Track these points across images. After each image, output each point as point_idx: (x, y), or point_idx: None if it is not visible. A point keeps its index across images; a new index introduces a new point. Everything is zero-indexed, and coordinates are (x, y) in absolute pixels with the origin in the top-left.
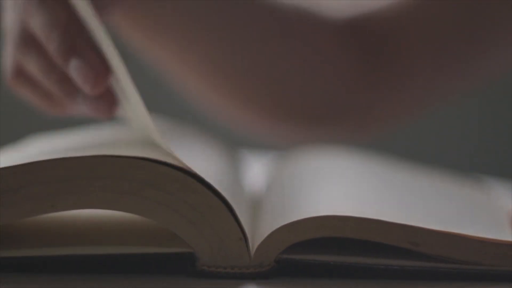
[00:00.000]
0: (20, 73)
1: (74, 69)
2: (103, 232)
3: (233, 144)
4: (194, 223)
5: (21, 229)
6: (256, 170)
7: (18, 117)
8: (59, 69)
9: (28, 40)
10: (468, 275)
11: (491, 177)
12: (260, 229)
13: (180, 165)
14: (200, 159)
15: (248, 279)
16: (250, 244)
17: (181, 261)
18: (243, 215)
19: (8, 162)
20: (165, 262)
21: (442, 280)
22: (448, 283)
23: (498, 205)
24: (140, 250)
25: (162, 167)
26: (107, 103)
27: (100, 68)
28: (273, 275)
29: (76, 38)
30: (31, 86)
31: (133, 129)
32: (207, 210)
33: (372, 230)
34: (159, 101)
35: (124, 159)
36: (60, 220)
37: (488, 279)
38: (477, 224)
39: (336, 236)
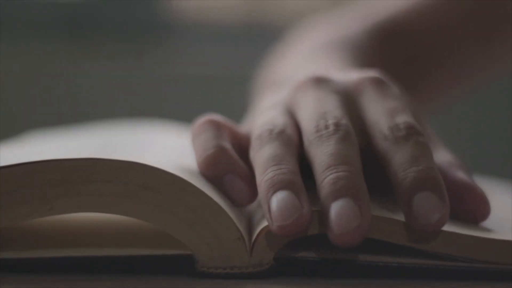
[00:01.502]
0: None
1: (277, 201)
2: (103, 234)
3: None
4: (192, 225)
5: (21, 230)
6: None
7: (17, 114)
8: None
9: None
10: (467, 274)
11: (491, 177)
12: (257, 228)
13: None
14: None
15: (248, 279)
16: (249, 243)
17: (181, 263)
18: (240, 214)
19: (4, 162)
20: (165, 263)
21: (441, 279)
22: (447, 282)
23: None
24: (139, 252)
25: (158, 170)
26: None
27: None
28: (273, 274)
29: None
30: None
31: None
32: (205, 211)
33: (371, 226)
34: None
35: (120, 162)
36: (60, 222)
37: (487, 278)
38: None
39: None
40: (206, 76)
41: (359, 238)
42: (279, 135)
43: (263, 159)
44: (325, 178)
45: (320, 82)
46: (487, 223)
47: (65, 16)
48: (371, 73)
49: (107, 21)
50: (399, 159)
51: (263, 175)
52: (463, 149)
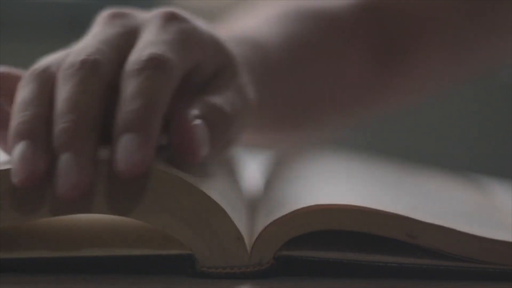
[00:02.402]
0: None
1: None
2: (103, 234)
3: None
4: (191, 225)
5: (21, 230)
6: (253, 169)
7: None
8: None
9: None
10: (467, 274)
11: (491, 177)
12: (257, 227)
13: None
14: None
15: (248, 279)
16: (248, 243)
17: (181, 263)
18: (240, 214)
19: (5, 164)
20: (165, 263)
21: (441, 279)
22: (447, 282)
23: (495, 203)
24: (139, 252)
25: (156, 170)
26: None
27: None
28: (274, 274)
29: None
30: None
31: None
32: (204, 211)
33: (369, 222)
34: None
35: None
36: (60, 222)
37: (487, 278)
38: (474, 221)
39: (332, 229)
40: None
41: (76, 194)
42: (38, 75)
43: (16, 103)
44: (56, 126)
45: (115, 16)
46: (487, 223)
47: (65, 16)
48: (169, 8)
49: None
50: (122, 96)
51: (12, 121)
52: (463, 149)
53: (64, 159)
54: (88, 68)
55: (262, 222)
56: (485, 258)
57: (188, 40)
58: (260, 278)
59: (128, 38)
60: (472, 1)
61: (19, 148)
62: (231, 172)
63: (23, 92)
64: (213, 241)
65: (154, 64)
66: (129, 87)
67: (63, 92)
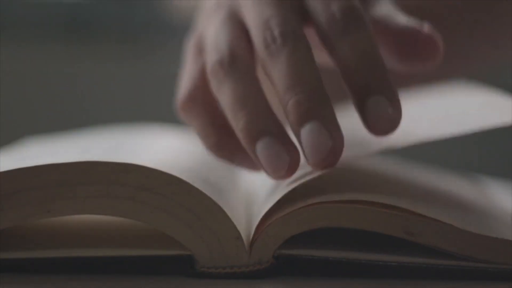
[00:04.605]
0: (196, 99)
1: (262, 154)
2: (102, 234)
3: None
4: (191, 225)
5: (21, 230)
6: None
7: (17, 114)
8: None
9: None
10: (467, 274)
11: (490, 177)
12: (255, 225)
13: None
14: (193, 158)
15: (248, 278)
16: (248, 243)
17: (181, 263)
18: (239, 213)
19: (2, 167)
20: (165, 264)
21: (441, 279)
22: (447, 282)
23: (493, 202)
24: (139, 252)
25: (155, 170)
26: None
27: (294, 156)
28: (273, 273)
29: (266, 118)
30: (206, 116)
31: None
32: (203, 211)
33: (367, 219)
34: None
35: (117, 164)
36: (60, 222)
37: (487, 278)
38: (471, 218)
39: (331, 226)
40: None
41: (335, 159)
42: (231, 67)
43: (228, 102)
44: (286, 103)
45: None
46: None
47: (65, 16)
48: None
49: (107, 21)
50: (346, 56)
51: (236, 122)
52: (463, 149)
53: (310, 128)
54: (291, 40)
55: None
56: (485, 256)
57: None
58: (260, 277)
59: None
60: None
61: (262, 146)
62: (229, 168)
63: (225, 90)
64: (212, 241)
65: (354, 16)
66: (348, 46)
67: (279, 69)
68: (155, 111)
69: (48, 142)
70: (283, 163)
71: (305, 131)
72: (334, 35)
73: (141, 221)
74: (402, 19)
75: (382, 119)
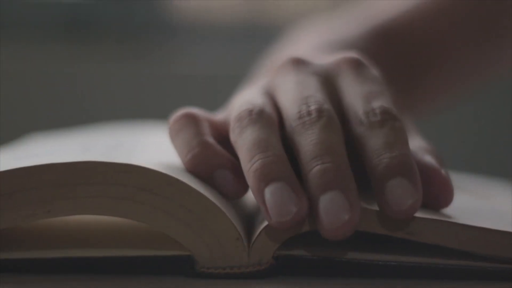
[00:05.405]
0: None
1: (272, 196)
2: (102, 234)
3: None
4: (191, 226)
5: (21, 230)
6: None
7: (17, 114)
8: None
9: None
10: (467, 274)
11: (491, 177)
12: (257, 227)
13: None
14: None
15: (248, 279)
16: (248, 243)
17: (181, 263)
18: (239, 214)
19: (2, 166)
20: (165, 264)
21: (441, 279)
22: (447, 282)
23: (493, 202)
24: (139, 252)
25: (154, 171)
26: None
27: (302, 208)
28: (274, 274)
29: (284, 166)
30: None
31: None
32: (202, 212)
33: (367, 220)
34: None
35: (117, 165)
36: (60, 222)
37: (487, 278)
38: (473, 214)
39: None
40: (206, 76)
41: (349, 231)
42: (260, 116)
43: (247, 144)
44: (311, 169)
45: (299, 64)
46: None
47: (65, 16)
48: (349, 54)
49: (107, 21)
50: (373, 145)
51: (250, 164)
52: (463, 149)
53: (330, 198)
54: (326, 117)
55: (262, 222)
56: (485, 250)
57: (383, 85)
58: (260, 278)
59: (327, 86)
60: (479, 27)
61: (273, 189)
62: None
63: (248, 134)
64: (212, 242)
65: (389, 117)
66: (375, 137)
67: (309, 139)
68: (155, 111)
69: (50, 140)
70: (291, 209)
71: (326, 198)
72: (367, 126)
73: (141, 222)
74: (427, 158)
75: (404, 199)
